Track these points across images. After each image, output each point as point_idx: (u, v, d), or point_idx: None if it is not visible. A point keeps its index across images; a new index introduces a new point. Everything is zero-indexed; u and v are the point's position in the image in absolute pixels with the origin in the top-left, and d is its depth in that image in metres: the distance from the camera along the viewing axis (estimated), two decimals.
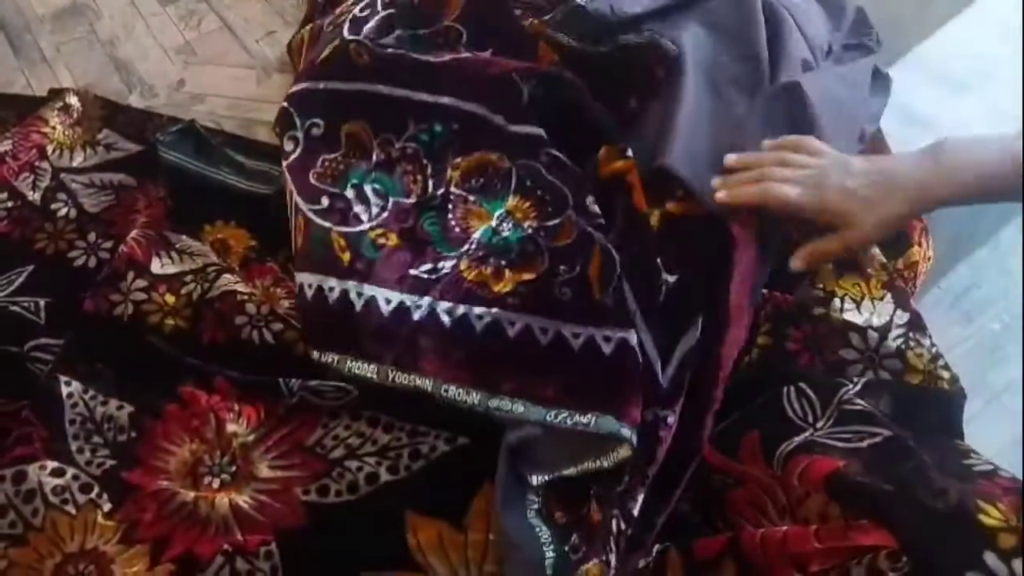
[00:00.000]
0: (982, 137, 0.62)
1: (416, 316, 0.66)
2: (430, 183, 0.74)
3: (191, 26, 1.13)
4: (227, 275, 0.74)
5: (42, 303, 0.75)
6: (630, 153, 0.69)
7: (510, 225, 0.69)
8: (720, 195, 0.65)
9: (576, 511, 0.61)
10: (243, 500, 0.62)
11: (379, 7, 0.82)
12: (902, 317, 0.68)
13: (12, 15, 1.15)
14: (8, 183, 0.86)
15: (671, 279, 0.66)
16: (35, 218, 0.84)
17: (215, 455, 0.64)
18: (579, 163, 0.71)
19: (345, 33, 0.78)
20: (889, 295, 0.70)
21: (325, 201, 0.73)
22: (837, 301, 0.69)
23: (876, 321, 0.68)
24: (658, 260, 0.66)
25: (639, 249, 0.66)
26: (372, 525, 0.61)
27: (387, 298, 0.67)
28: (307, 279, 0.70)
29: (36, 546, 0.59)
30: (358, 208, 0.73)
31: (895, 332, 0.67)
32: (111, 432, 0.65)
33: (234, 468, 0.64)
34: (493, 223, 0.70)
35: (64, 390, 0.65)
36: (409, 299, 0.67)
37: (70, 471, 0.62)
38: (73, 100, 0.96)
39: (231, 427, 0.65)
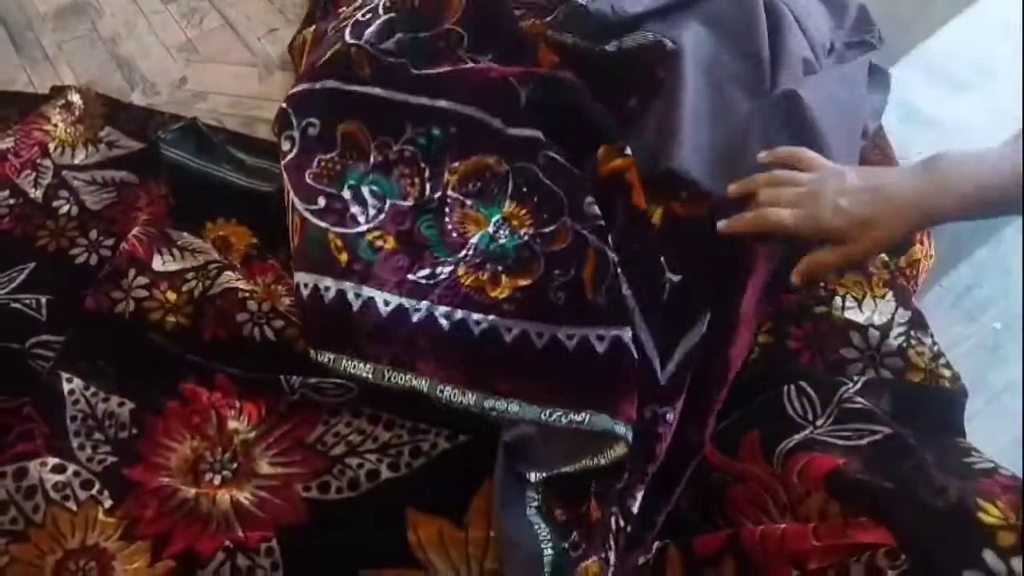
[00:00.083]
0: (979, 150, 0.62)
1: (415, 318, 0.66)
2: (427, 186, 0.74)
3: (193, 24, 1.14)
4: (228, 272, 0.74)
5: (43, 300, 0.75)
6: (628, 151, 0.69)
7: (507, 232, 0.70)
8: (720, 225, 0.66)
9: (576, 508, 0.61)
10: (244, 497, 0.62)
11: (381, 11, 0.82)
12: (904, 315, 0.68)
13: (14, 13, 1.15)
14: (10, 180, 0.86)
15: (675, 278, 0.66)
16: (37, 215, 0.84)
17: (216, 452, 0.64)
18: (578, 163, 0.71)
19: (347, 37, 0.78)
20: (891, 293, 0.70)
21: (322, 201, 0.73)
22: (838, 299, 0.69)
23: (877, 319, 0.68)
24: (661, 259, 0.67)
25: (639, 247, 0.66)
26: (373, 522, 0.61)
27: (386, 300, 0.67)
28: (303, 278, 0.70)
29: (37, 542, 0.59)
30: (355, 209, 0.73)
31: (897, 330, 0.67)
32: (112, 429, 0.65)
33: (235, 465, 0.64)
34: (490, 229, 0.71)
35: (65, 387, 0.66)
36: (408, 302, 0.67)
37: (71, 467, 0.62)
38: (75, 98, 0.96)
39: (232, 424, 0.65)
